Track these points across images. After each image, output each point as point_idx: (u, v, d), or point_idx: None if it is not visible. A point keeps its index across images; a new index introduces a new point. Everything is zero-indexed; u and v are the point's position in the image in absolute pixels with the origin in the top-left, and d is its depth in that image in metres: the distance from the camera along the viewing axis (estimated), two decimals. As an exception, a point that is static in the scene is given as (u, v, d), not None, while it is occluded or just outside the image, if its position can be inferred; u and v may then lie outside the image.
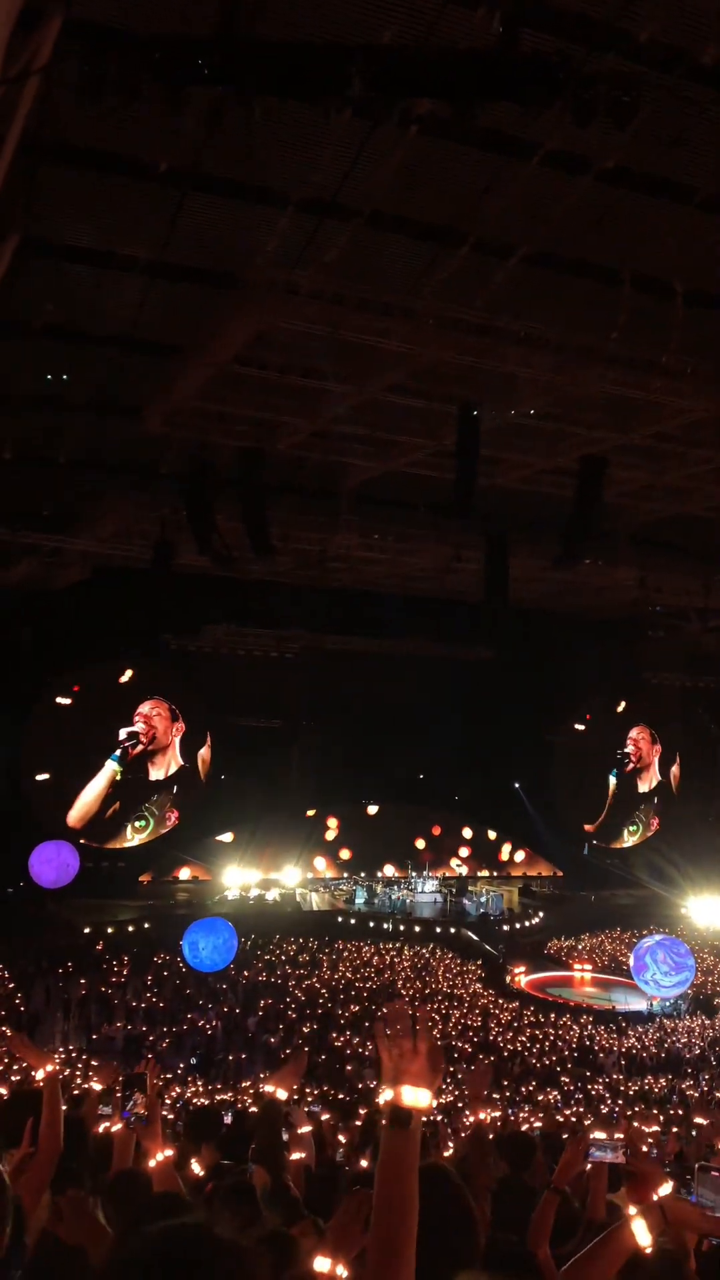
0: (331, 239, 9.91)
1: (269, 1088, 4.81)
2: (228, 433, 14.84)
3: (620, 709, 38.55)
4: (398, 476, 16.87)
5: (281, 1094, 4.97)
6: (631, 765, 39.09)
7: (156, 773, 31.61)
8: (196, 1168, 5.74)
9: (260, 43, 6.28)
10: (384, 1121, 2.01)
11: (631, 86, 6.40)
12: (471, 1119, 6.16)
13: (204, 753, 32.64)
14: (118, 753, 30.35)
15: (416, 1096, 2.00)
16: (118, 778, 30.58)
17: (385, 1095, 2.03)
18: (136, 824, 31.51)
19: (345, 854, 38.92)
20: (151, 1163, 4.01)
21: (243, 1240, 1.48)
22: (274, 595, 24.84)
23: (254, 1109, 11.89)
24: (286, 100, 6.98)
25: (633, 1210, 2.89)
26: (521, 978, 30.33)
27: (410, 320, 10.80)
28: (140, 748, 30.89)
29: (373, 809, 38.97)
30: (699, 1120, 10.45)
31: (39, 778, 28.92)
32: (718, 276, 10.19)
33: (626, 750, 38.95)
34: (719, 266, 10.06)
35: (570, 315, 11.21)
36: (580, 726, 37.87)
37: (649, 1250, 2.81)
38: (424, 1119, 2.03)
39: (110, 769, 30.40)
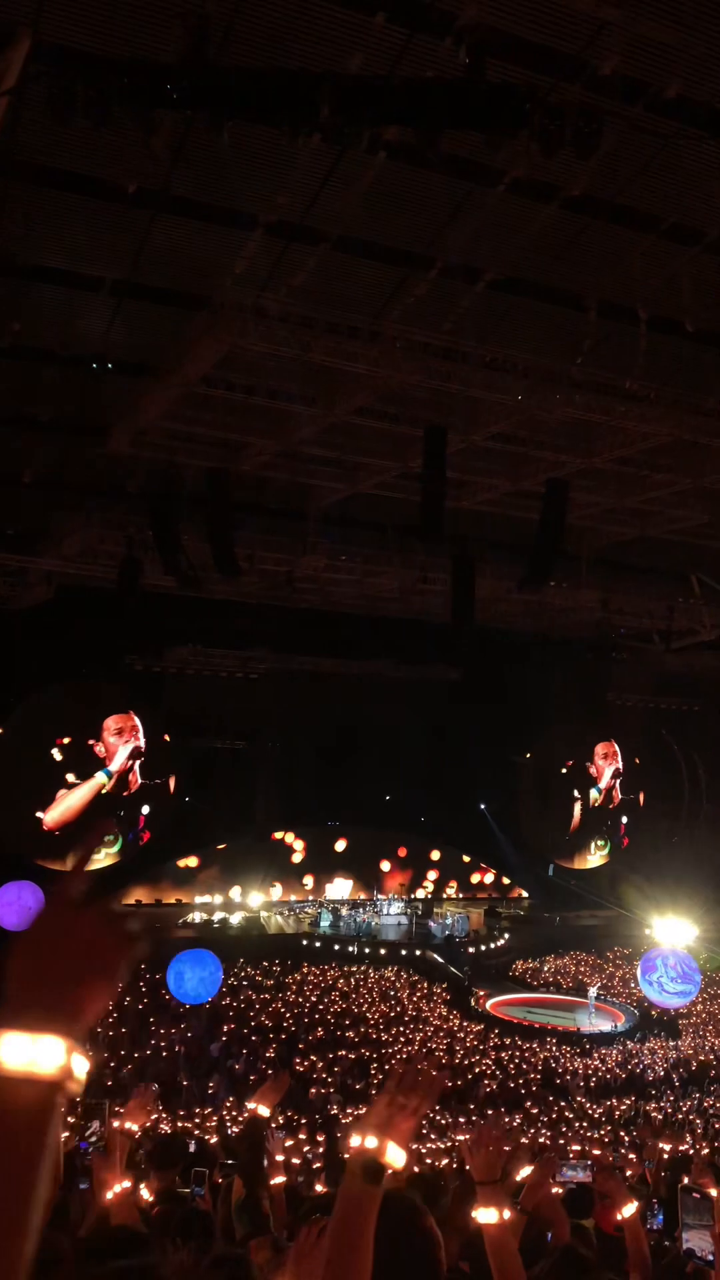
0: (300, 262, 9.98)
1: (253, 1105, 4.82)
2: (195, 453, 14.83)
3: (585, 730, 38.75)
4: (365, 498, 16.95)
5: (264, 1111, 4.96)
6: (595, 786, 39.24)
7: (126, 791, 31.23)
8: (145, 1193, 5.68)
9: (229, 68, 6.33)
10: (355, 1167, 1.97)
11: (595, 118, 6.51)
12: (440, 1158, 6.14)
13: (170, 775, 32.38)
14: (111, 766, 29.98)
15: (396, 1156, 1.97)
16: (104, 790, 30.21)
17: (366, 1142, 1.98)
18: (106, 839, 31.09)
19: (310, 877, 38.75)
20: (109, 1194, 3.95)
21: (192, 1274, 1.47)
22: (240, 616, 24.75)
23: (214, 1139, 11.77)
24: (255, 124, 7.06)
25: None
26: (486, 1000, 30.26)
27: (377, 343, 10.87)
28: (126, 761, 30.55)
29: (340, 845, 38.89)
30: (657, 1144, 10.48)
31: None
32: (679, 303, 10.35)
33: (590, 771, 39.11)
34: (681, 293, 10.22)
35: (536, 340, 11.35)
36: (544, 748, 38.02)
37: (497, 1224, 2.88)
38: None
39: (98, 780, 29.99)
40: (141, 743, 31.44)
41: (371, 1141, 1.98)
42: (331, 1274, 1.92)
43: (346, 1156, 2.06)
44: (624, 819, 39.59)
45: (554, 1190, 4.76)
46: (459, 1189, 5.07)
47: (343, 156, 8.46)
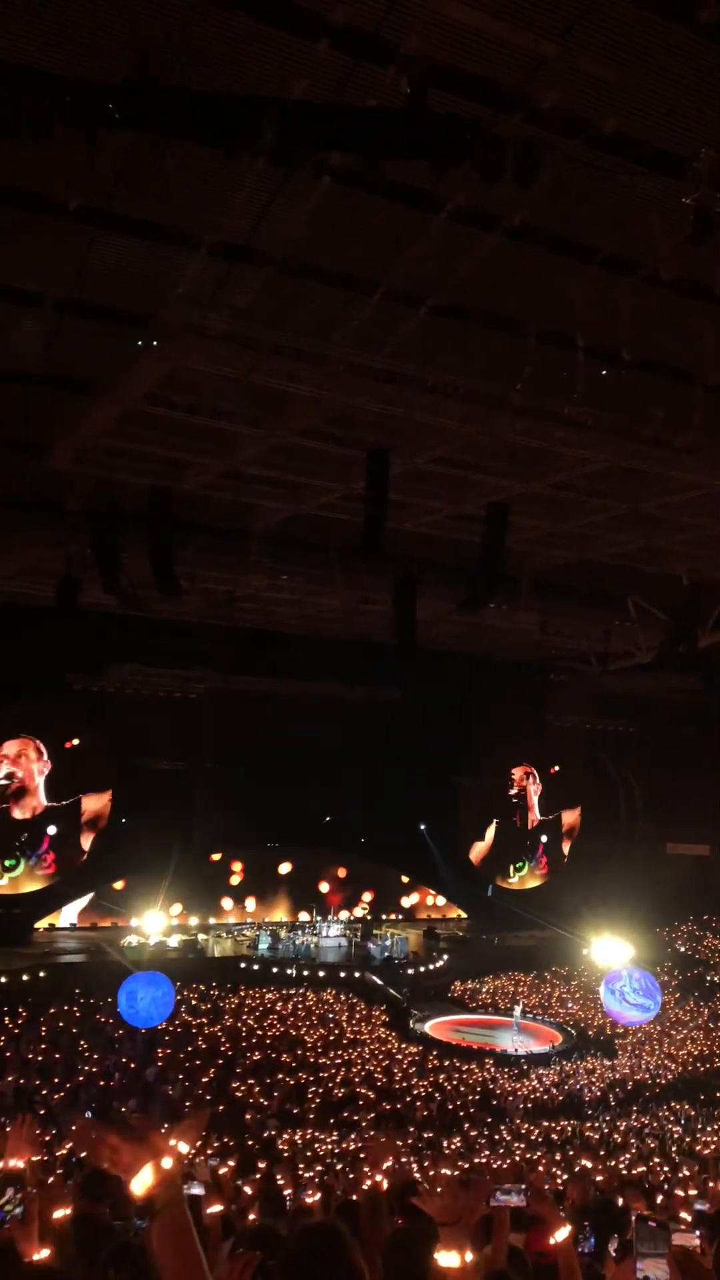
0: (244, 283, 9.99)
1: (172, 1141, 4.71)
2: (137, 471, 14.73)
3: (522, 751, 39.09)
4: (308, 519, 16.96)
5: (183, 1147, 4.87)
6: (519, 806, 39.60)
7: (20, 812, 30.80)
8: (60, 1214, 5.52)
9: (173, 89, 6.34)
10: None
11: (535, 150, 6.63)
12: (367, 1182, 6.11)
13: (100, 798, 32.05)
14: None
15: (142, 1181, 2.02)
16: None
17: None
18: (5, 863, 30.61)
19: (249, 899, 38.44)
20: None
21: None
22: (181, 635, 24.60)
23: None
24: (200, 146, 7.06)
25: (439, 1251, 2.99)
26: (423, 1022, 30.21)
27: (321, 366, 10.91)
28: (14, 786, 30.20)
29: (284, 867, 38.69)
30: (586, 1163, 10.52)
31: None
32: (617, 332, 10.56)
33: (514, 791, 39.45)
34: (619, 323, 10.42)
35: (478, 366, 11.47)
36: (482, 769, 38.28)
37: (458, 1269, 2.90)
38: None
39: None
40: (44, 763, 31.10)
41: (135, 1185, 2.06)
42: None
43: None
44: (543, 839, 39.99)
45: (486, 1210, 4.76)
46: (370, 1206, 5.04)
47: (288, 180, 8.50)
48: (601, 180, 8.47)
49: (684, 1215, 7.15)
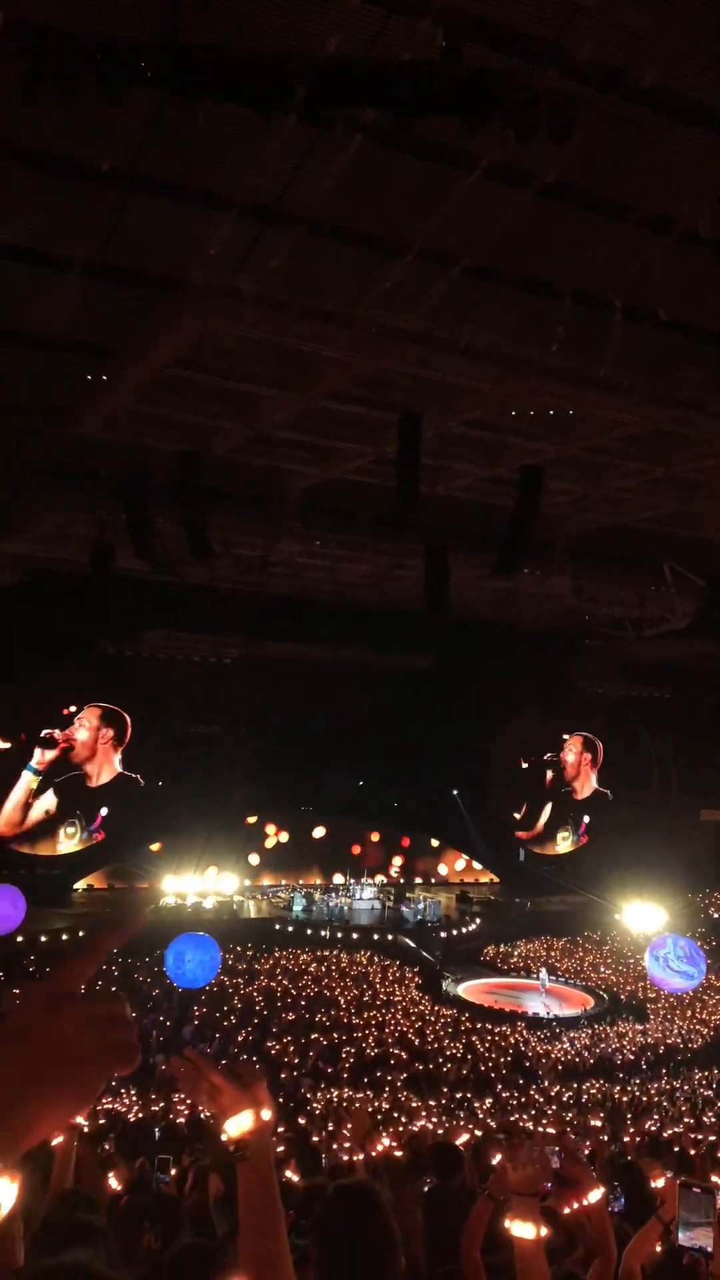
0: (275, 245, 9.88)
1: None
2: (167, 436, 14.73)
3: (555, 718, 38.98)
4: (339, 483, 16.89)
5: (265, 1113, 4.95)
6: (565, 774, 39.55)
7: (93, 781, 31.29)
8: (114, 1182, 5.67)
9: (203, 46, 6.25)
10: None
11: (570, 105, 6.49)
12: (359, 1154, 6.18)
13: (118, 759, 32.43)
14: (32, 762, 29.95)
15: (239, 1124, 1.98)
16: (34, 786, 30.17)
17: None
18: (68, 830, 31.12)
19: (283, 860, 38.80)
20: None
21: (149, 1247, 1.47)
22: (213, 601, 24.68)
23: (182, 1120, 11.77)
24: (229, 104, 6.97)
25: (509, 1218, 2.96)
26: (456, 985, 30.45)
27: (352, 328, 10.81)
28: (54, 754, 30.52)
29: (318, 832, 38.95)
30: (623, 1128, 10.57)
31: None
32: (652, 293, 10.36)
33: (559, 758, 39.41)
34: (654, 283, 10.22)
35: (511, 327, 11.32)
36: (515, 735, 38.22)
37: (533, 1241, 2.87)
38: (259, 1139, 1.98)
39: (26, 779, 29.98)
40: (107, 730, 31.35)
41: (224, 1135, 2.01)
42: (247, 1249, 1.92)
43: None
44: (591, 806, 40.03)
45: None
46: (399, 1174, 5.09)
47: (318, 139, 8.38)
48: (638, 135, 8.28)
49: (715, 1179, 7.18)
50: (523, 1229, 2.89)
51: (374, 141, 8.42)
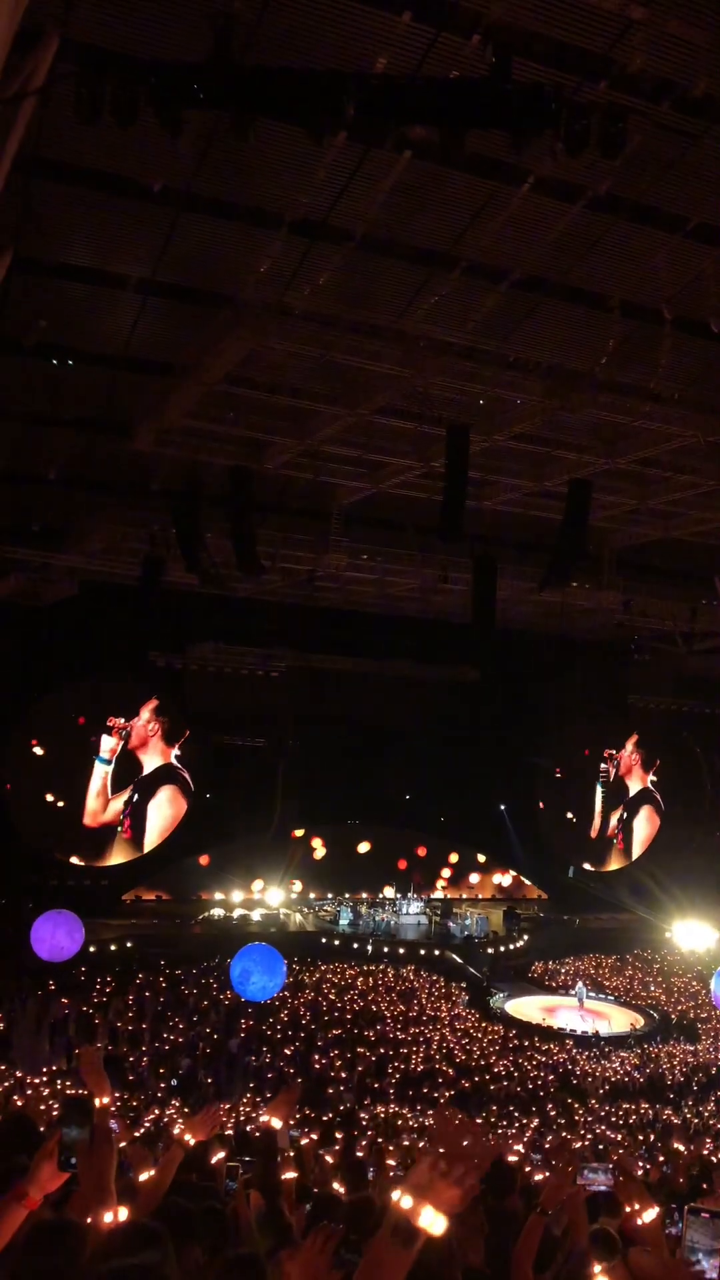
0: (324, 261, 9.98)
1: (265, 1117, 4.83)
2: (217, 451, 14.87)
3: (605, 732, 38.56)
4: (386, 497, 16.94)
5: (277, 1123, 4.97)
6: (621, 770, 38.91)
7: (143, 769, 31.15)
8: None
9: (254, 68, 6.34)
10: (388, 1226, 1.89)
11: (621, 117, 6.49)
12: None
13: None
14: (101, 752, 30.03)
15: (433, 1222, 1.87)
16: (108, 776, 30.26)
17: (403, 1202, 1.90)
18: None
19: (330, 874, 38.79)
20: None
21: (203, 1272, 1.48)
22: (262, 614, 24.81)
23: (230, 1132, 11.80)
24: (280, 123, 7.07)
25: (597, 1269, 2.90)
26: (505, 1000, 30.21)
27: (401, 343, 10.87)
28: (116, 741, 30.50)
29: (364, 846, 38.90)
30: (678, 1147, 10.43)
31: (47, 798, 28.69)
32: (704, 304, 10.30)
33: (611, 774, 38.88)
34: (705, 294, 10.16)
35: (559, 340, 11.32)
36: (564, 750, 37.85)
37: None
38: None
39: (100, 770, 30.07)
40: (147, 725, 31.17)
41: (407, 1202, 1.88)
42: None
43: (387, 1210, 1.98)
44: (641, 807, 39.32)
45: (576, 1191, 4.75)
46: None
47: (367, 155, 8.46)
48: (690, 146, 8.25)
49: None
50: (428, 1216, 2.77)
51: (423, 157, 8.49)
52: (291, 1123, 14.34)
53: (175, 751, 30.39)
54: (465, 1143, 1.92)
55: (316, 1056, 21.97)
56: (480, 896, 40.92)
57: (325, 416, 13.69)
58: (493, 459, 14.92)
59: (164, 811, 28.37)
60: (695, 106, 7.78)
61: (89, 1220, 3.15)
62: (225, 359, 11.54)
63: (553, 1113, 19.49)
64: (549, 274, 10.39)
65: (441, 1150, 1.90)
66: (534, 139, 6.56)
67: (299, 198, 9.10)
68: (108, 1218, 3.24)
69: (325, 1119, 16.37)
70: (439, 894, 39.76)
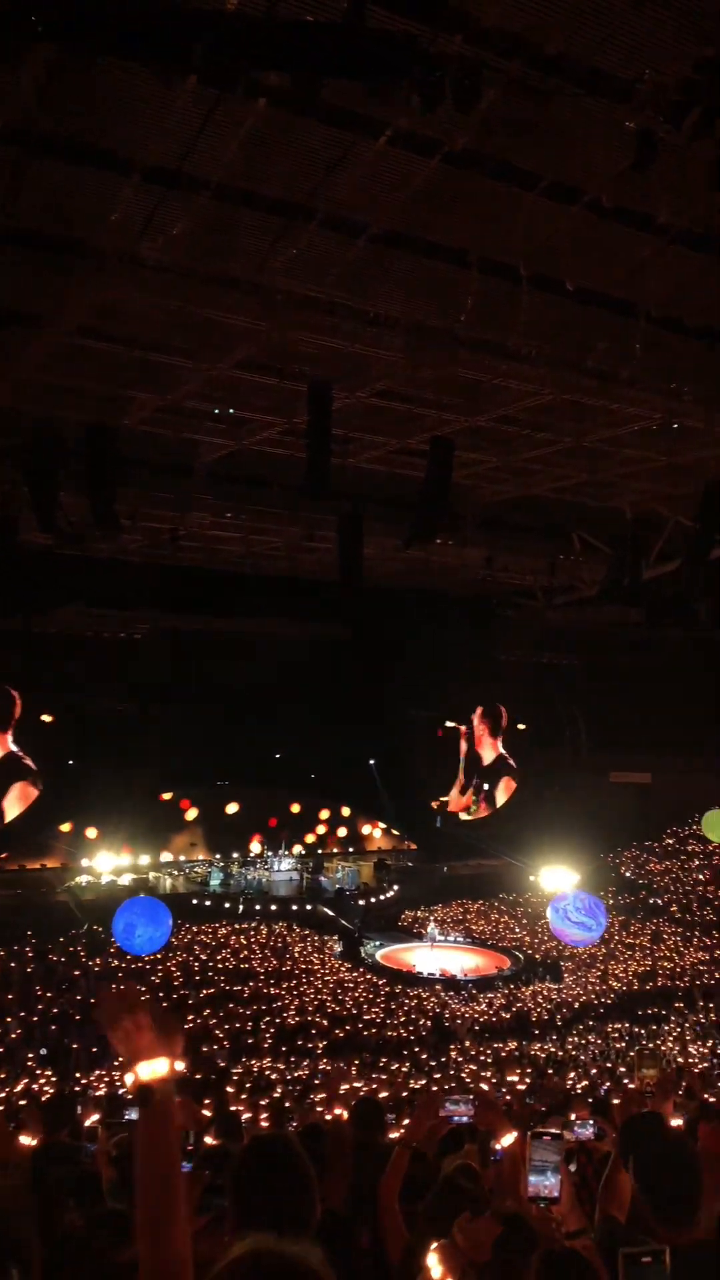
0: (178, 210, 9.68)
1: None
2: (73, 406, 14.37)
3: (470, 687, 39.36)
4: (251, 454, 16.72)
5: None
6: (472, 741, 39.82)
7: None
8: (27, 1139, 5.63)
9: (100, 2, 6.04)
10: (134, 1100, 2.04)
11: (476, 71, 6.46)
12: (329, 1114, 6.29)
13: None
14: None
15: (153, 1069, 2.02)
16: None
17: (127, 1078, 2.12)
18: None
19: (201, 836, 38.65)
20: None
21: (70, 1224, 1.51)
22: (123, 575, 24.27)
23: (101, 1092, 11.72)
24: (128, 63, 6.78)
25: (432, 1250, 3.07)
26: (377, 950, 30.82)
27: (260, 297, 10.67)
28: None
29: (232, 807, 38.78)
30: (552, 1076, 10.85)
31: None
32: (560, 262, 10.43)
33: (470, 727, 39.71)
34: (561, 253, 10.29)
35: (420, 296, 11.29)
36: (430, 704, 38.52)
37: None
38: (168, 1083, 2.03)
39: None
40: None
41: (129, 1077, 2.06)
42: (143, 1201, 1.94)
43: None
44: (499, 777, 40.47)
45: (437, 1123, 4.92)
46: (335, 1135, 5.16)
47: (220, 101, 8.20)
48: (543, 104, 8.29)
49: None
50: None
51: (278, 105, 8.28)
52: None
53: (11, 737, 29.63)
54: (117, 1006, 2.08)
55: (190, 1016, 22.00)
56: (351, 850, 41.50)
57: (185, 371, 13.38)
58: (356, 416, 14.88)
59: (14, 806, 27.70)
60: (548, 64, 7.79)
61: None
62: (77, 310, 11.13)
63: (424, 1055, 20.07)
64: (408, 229, 10.32)
65: (115, 1021, 2.06)
66: (389, 90, 6.48)
67: (150, 143, 8.77)
68: None
69: (198, 1077, 16.43)
70: (312, 849, 40.13)
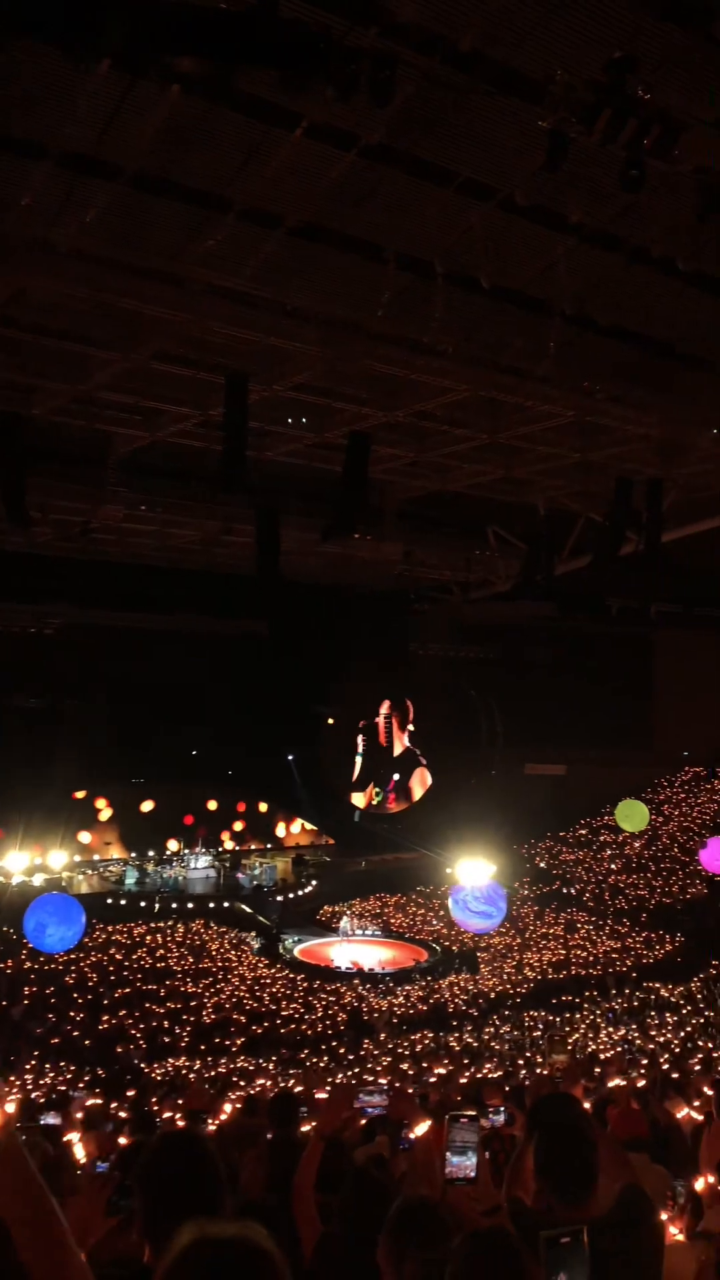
0: (92, 197, 9.52)
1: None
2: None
3: (387, 681, 39.54)
4: (166, 447, 16.53)
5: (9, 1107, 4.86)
6: (379, 736, 39.98)
7: None
8: None
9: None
10: None
11: (391, 65, 6.49)
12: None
13: None
14: None
15: None
16: None
17: None
18: None
19: (115, 834, 38.12)
20: None
21: None
22: (33, 568, 23.73)
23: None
24: (39, 45, 6.64)
25: None
26: (295, 946, 30.81)
27: (175, 287, 10.56)
28: None
29: (146, 805, 38.29)
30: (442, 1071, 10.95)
31: None
32: (474, 259, 10.53)
33: (378, 720, 39.85)
34: (475, 250, 10.39)
35: (337, 290, 11.30)
36: (346, 699, 38.61)
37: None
38: None
39: None
40: None
41: None
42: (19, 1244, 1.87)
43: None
44: (408, 765, 40.85)
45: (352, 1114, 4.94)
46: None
47: (134, 87, 8.09)
48: (458, 101, 8.36)
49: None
50: None
51: (193, 93, 8.20)
52: (74, 1085, 14.14)
53: None
54: None
55: (105, 1017, 21.71)
56: (269, 846, 41.37)
57: (98, 361, 13.17)
58: (273, 409, 14.82)
59: None
60: (463, 61, 7.86)
61: None
62: (-14, 296, 10.87)
63: (341, 1050, 20.13)
64: (325, 222, 10.32)
65: None
66: (304, 81, 6.46)
67: (63, 128, 8.60)
68: None
69: (115, 1077, 16.24)
70: (228, 846, 39.89)
